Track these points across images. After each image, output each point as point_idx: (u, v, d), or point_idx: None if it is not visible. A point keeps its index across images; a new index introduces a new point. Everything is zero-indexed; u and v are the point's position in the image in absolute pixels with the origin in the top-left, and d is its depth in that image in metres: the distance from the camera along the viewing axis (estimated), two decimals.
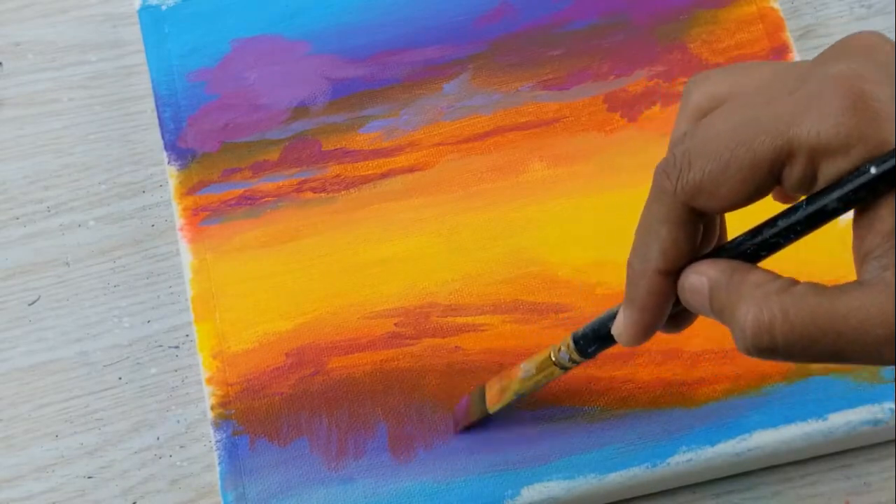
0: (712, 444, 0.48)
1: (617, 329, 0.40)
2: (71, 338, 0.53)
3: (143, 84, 0.58)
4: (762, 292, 0.35)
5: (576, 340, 0.42)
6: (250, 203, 0.54)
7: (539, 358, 0.45)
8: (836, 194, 0.34)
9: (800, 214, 0.35)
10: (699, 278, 0.37)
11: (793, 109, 0.34)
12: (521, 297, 0.51)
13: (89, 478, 0.51)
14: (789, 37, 0.55)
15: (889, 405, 0.48)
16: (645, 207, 0.38)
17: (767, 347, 0.35)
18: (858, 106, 0.33)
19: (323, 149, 0.55)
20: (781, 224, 0.36)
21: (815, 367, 0.49)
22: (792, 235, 0.36)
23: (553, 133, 0.54)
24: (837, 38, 0.56)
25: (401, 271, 0.52)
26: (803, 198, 0.35)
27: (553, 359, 0.44)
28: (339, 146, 0.55)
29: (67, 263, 0.55)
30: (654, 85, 0.55)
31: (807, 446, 0.48)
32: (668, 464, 0.48)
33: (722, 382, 0.49)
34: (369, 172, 0.54)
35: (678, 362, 0.49)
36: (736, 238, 0.37)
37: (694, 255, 0.38)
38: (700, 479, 0.49)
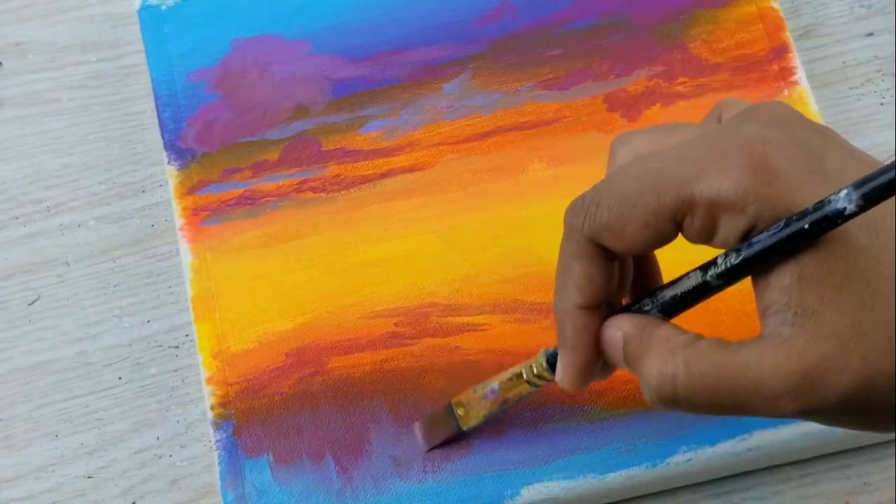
0: (712, 444, 0.48)
1: (558, 374, 0.41)
2: (71, 338, 0.53)
3: (143, 84, 0.58)
4: (668, 347, 0.37)
5: (548, 359, 0.43)
6: (250, 203, 0.54)
7: (507, 375, 0.46)
8: (753, 249, 0.36)
9: (715, 270, 0.37)
10: (614, 332, 0.39)
11: (699, 165, 0.36)
12: (521, 296, 0.51)
13: (89, 478, 0.51)
14: (789, 37, 0.55)
15: None
16: (560, 247, 0.40)
17: (671, 399, 0.37)
18: (759, 167, 0.35)
19: (323, 149, 0.55)
20: (696, 278, 0.38)
21: None
22: (708, 291, 0.38)
23: (553, 133, 0.54)
24: (837, 38, 0.57)
25: (401, 271, 0.52)
26: (721, 251, 0.37)
27: (525, 377, 0.45)
28: (339, 146, 0.55)
29: (67, 263, 0.55)
30: (654, 85, 0.55)
31: (807, 446, 0.49)
32: (668, 464, 0.48)
33: None
34: (369, 172, 0.54)
35: None
36: (658, 290, 0.39)
37: (611, 292, 0.40)
38: (700, 479, 0.49)
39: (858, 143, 0.55)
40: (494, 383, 0.46)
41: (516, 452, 0.48)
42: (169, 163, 0.54)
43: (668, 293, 0.39)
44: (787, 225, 0.34)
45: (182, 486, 0.51)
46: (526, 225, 0.53)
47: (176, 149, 0.55)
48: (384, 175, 0.54)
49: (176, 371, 0.53)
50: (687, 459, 0.48)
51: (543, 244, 0.52)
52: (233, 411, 0.50)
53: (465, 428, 0.48)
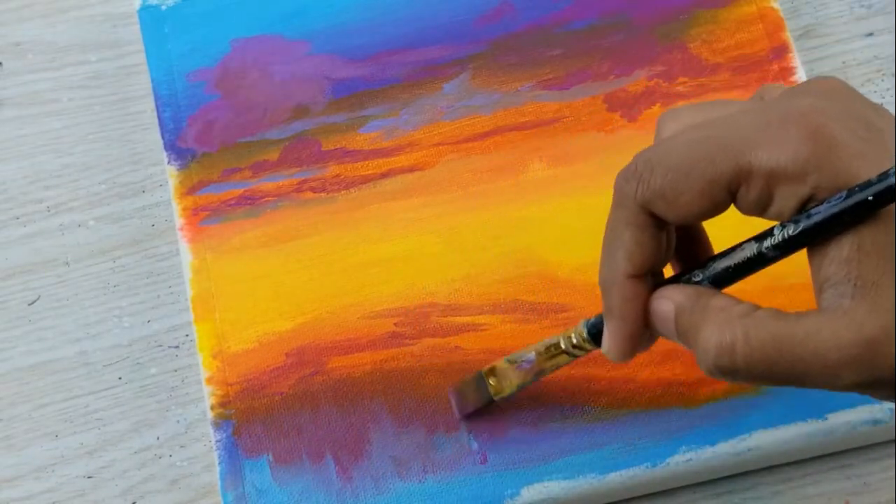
0: (712, 444, 0.48)
1: (605, 345, 0.41)
2: (71, 338, 0.53)
3: (143, 84, 0.58)
4: (725, 316, 0.37)
5: (589, 329, 0.43)
6: (250, 203, 0.54)
7: (544, 346, 0.45)
8: (812, 220, 0.35)
9: (772, 241, 0.37)
10: (666, 302, 0.39)
11: (756, 135, 0.36)
12: (521, 296, 0.51)
13: (89, 478, 0.51)
14: (789, 37, 0.55)
15: (889, 405, 0.48)
16: (609, 216, 0.39)
17: (728, 368, 0.36)
18: (817, 137, 0.35)
19: (323, 149, 0.55)
20: (751, 249, 0.38)
21: None
22: (763, 263, 0.38)
23: (553, 133, 0.54)
24: (837, 38, 0.57)
25: (401, 271, 0.52)
26: (775, 223, 0.37)
27: (563, 347, 0.44)
28: (339, 146, 0.55)
29: (67, 263, 0.55)
30: (654, 85, 0.55)
31: (807, 446, 0.48)
32: (668, 464, 0.48)
33: (722, 382, 0.49)
34: (369, 172, 0.54)
35: (678, 362, 0.49)
36: (708, 261, 0.39)
37: (660, 262, 0.39)
38: (700, 479, 0.49)
39: None
40: (530, 353, 0.46)
41: (516, 452, 0.48)
42: (169, 163, 0.54)
43: (721, 264, 0.38)
44: (849, 196, 0.34)
45: (182, 486, 0.51)
46: (526, 225, 0.53)
47: (176, 149, 0.55)
48: (384, 175, 0.54)
49: (176, 371, 0.53)
50: (687, 459, 0.48)
51: (543, 244, 0.52)
52: (233, 411, 0.50)
53: (496, 398, 0.47)
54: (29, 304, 0.54)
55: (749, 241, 0.37)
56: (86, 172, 0.57)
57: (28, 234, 0.55)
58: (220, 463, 0.49)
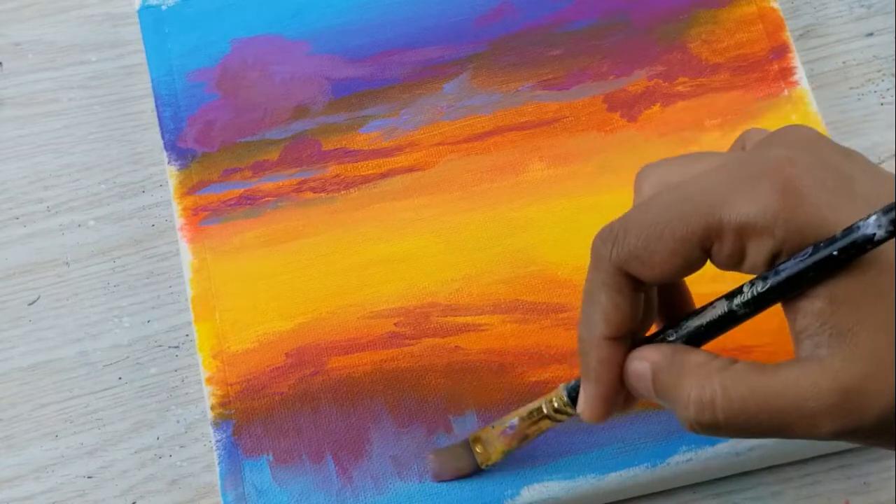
0: (712, 444, 0.48)
1: (580, 407, 0.41)
2: (71, 338, 0.53)
3: (143, 84, 0.58)
4: (703, 371, 0.37)
5: (569, 393, 0.43)
6: (250, 203, 0.54)
7: (526, 410, 0.45)
8: (780, 277, 0.35)
9: (741, 298, 0.37)
10: (641, 363, 0.39)
11: (727, 190, 0.36)
12: (521, 297, 0.51)
13: (89, 478, 0.51)
14: (789, 37, 0.55)
15: None
16: (586, 278, 0.39)
17: (710, 423, 0.37)
18: (787, 189, 0.35)
19: (323, 149, 0.55)
20: (722, 307, 0.38)
21: None
22: (734, 321, 0.38)
23: (553, 133, 0.54)
24: (837, 38, 0.57)
25: (401, 271, 0.52)
26: (751, 277, 0.37)
27: (545, 412, 0.44)
28: (339, 146, 0.55)
29: (67, 263, 0.55)
30: (653, 85, 0.55)
31: (807, 446, 0.48)
32: (668, 464, 0.48)
33: None
34: (369, 172, 0.54)
35: None
36: (681, 320, 0.39)
37: (637, 323, 0.39)
38: (700, 479, 0.49)
39: (858, 143, 0.55)
40: (514, 419, 0.46)
41: (516, 452, 0.48)
42: (169, 163, 0.54)
43: (693, 323, 0.38)
44: (815, 251, 0.34)
45: (182, 486, 0.51)
46: (526, 225, 0.53)
47: (176, 149, 0.55)
48: (384, 175, 0.54)
49: (176, 371, 0.53)
50: (687, 459, 0.48)
51: (543, 244, 0.52)
52: (233, 411, 0.50)
53: (483, 466, 0.47)
54: (29, 304, 0.54)
55: (720, 299, 0.38)
56: (86, 172, 0.57)
57: (28, 234, 0.55)
58: (220, 463, 0.49)
